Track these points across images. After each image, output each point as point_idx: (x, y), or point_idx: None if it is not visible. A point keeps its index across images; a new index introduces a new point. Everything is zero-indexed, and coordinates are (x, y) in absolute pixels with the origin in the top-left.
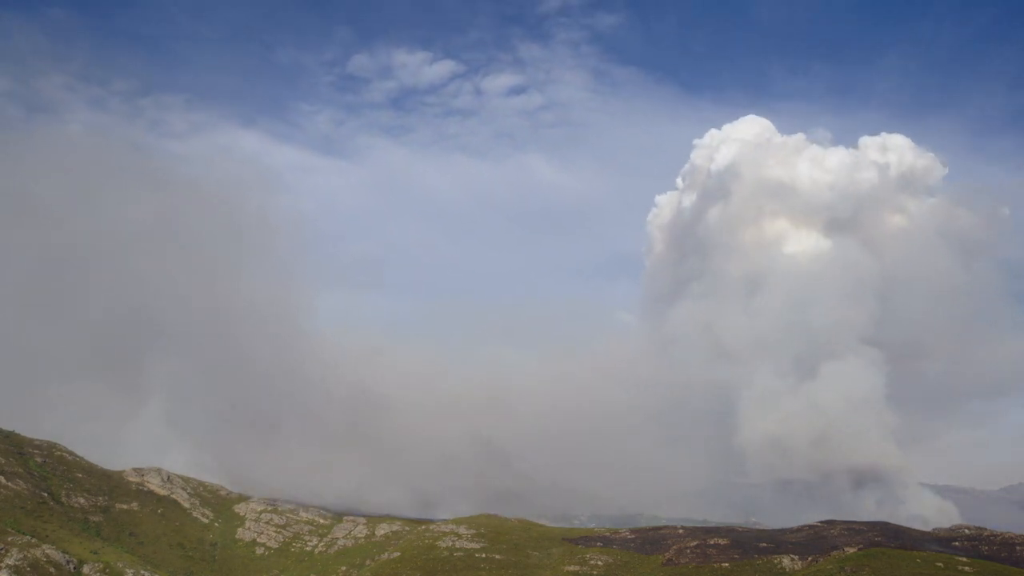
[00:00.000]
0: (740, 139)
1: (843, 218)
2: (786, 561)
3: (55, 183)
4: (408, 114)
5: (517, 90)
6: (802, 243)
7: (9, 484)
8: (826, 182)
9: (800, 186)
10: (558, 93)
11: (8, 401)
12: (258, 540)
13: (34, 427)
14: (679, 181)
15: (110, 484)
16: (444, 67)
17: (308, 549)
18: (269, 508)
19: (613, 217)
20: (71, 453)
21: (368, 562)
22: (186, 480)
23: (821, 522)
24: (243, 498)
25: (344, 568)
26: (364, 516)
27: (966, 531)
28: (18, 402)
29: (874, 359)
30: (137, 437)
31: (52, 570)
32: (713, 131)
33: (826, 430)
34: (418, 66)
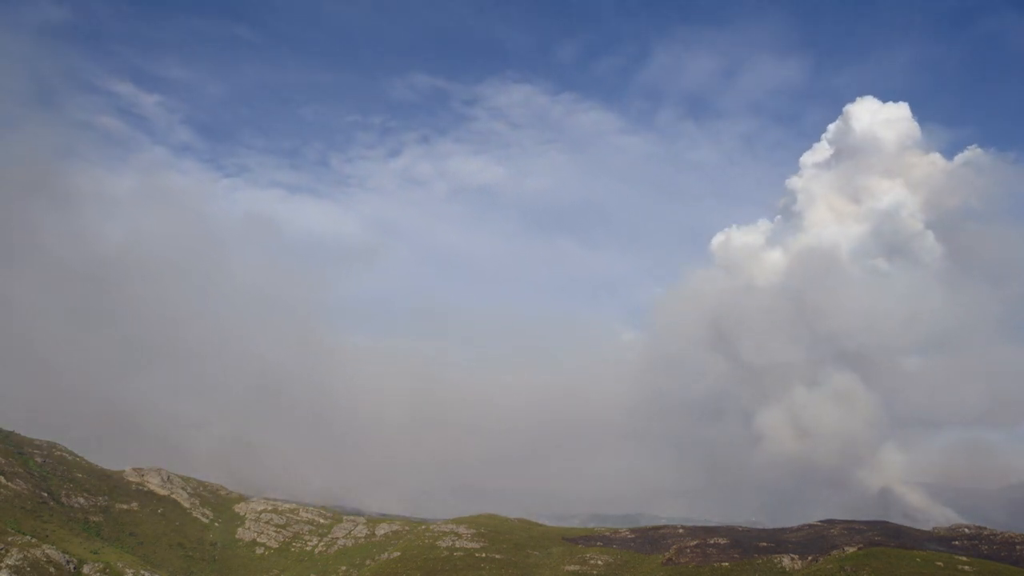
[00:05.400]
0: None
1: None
2: (786, 560)
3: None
4: (458, 205)
5: (553, 191)
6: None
7: (9, 484)
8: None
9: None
10: (587, 193)
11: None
12: (258, 540)
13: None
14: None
15: (110, 484)
16: (494, 172)
17: (308, 549)
18: (269, 508)
19: (629, 285)
20: (71, 453)
21: (368, 562)
22: (186, 480)
23: (821, 521)
24: (243, 498)
25: (344, 568)
26: (364, 516)
27: (966, 531)
28: None
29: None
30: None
31: (52, 570)
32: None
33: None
34: (471, 172)
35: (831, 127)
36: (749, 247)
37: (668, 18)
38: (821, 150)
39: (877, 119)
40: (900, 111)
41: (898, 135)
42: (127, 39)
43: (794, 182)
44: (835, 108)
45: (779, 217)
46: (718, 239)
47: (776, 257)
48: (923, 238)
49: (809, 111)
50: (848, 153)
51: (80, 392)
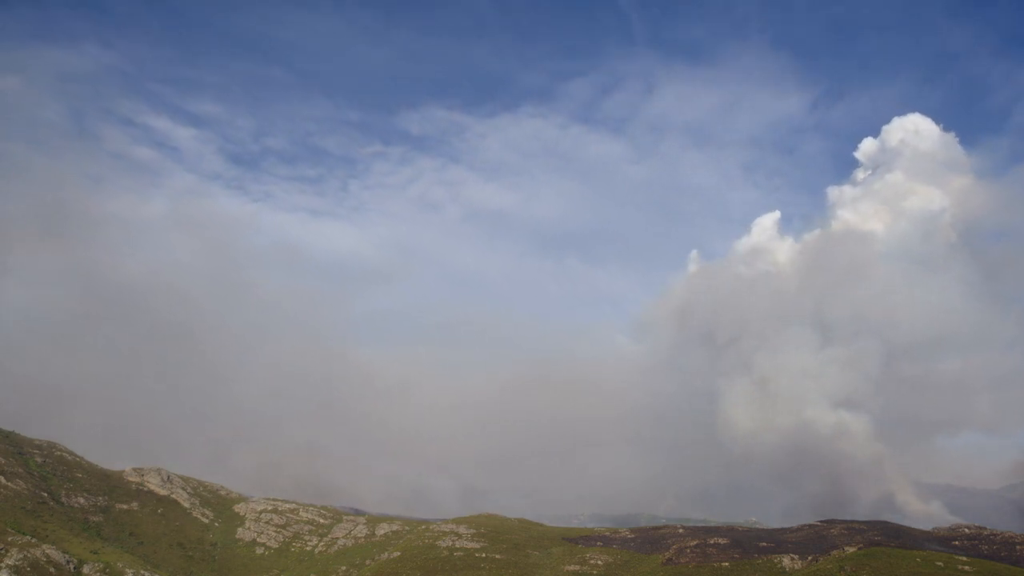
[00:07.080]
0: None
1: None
2: (786, 560)
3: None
4: (471, 228)
5: (561, 215)
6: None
7: (9, 484)
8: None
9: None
10: (593, 217)
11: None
12: (258, 540)
13: None
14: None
15: (110, 484)
16: (506, 198)
17: (308, 549)
18: (269, 508)
19: (631, 299)
20: (71, 453)
21: (368, 562)
22: (186, 480)
23: (821, 521)
24: (243, 498)
25: (344, 568)
26: (364, 516)
27: (966, 531)
28: None
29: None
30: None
31: (52, 570)
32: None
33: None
34: (484, 198)
35: (866, 141)
36: (766, 248)
37: (673, 58)
38: (857, 163)
39: (918, 135)
40: (941, 130)
41: (936, 151)
42: (168, 80)
43: (832, 191)
44: (832, 139)
45: (800, 218)
46: (739, 240)
47: (787, 256)
48: (955, 251)
49: (806, 142)
50: (885, 167)
51: (108, 402)
